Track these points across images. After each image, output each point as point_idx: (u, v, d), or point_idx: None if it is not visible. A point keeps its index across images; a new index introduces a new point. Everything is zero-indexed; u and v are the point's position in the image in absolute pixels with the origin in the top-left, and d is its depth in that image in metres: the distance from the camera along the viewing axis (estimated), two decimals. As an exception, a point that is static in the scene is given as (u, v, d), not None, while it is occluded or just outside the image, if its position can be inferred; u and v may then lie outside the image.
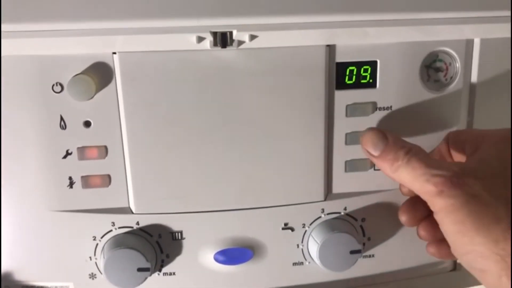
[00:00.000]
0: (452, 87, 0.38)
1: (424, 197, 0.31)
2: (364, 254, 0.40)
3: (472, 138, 0.34)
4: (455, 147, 0.36)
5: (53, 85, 0.34)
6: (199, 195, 0.37)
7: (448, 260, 0.42)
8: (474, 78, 0.38)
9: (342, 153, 0.38)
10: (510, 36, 0.36)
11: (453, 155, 0.36)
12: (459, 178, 0.30)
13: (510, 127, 0.37)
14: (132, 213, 0.37)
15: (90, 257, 0.38)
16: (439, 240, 0.36)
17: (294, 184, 0.38)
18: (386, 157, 0.33)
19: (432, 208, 0.31)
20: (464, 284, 0.44)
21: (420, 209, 0.36)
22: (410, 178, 0.32)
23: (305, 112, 0.36)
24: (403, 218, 0.36)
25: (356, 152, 0.37)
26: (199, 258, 0.39)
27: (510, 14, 0.36)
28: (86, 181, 0.36)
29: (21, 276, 0.38)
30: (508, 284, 0.27)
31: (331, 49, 0.35)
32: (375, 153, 0.34)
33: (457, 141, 0.36)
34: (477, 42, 0.37)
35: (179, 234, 0.38)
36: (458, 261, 0.42)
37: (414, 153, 0.32)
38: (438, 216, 0.31)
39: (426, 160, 0.32)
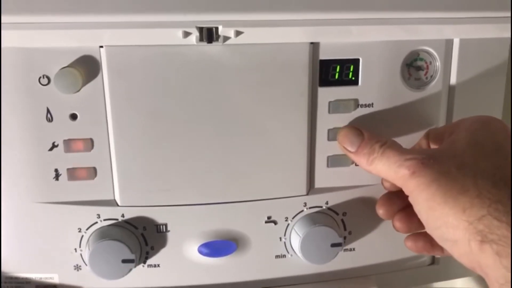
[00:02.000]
0: (432, 85, 0.39)
1: (399, 182, 0.32)
2: (345, 247, 0.41)
3: (449, 129, 0.35)
4: (435, 141, 0.37)
5: (40, 78, 0.34)
6: (184, 188, 0.37)
7: (426, 254, 0.43)
8: (453, 77, 0.39)
9: (324, 148, 0.39)
10: (487, 36, 0.37)
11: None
12: (429, 159, 0.31)
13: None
14: (117, 205, 0.37)
15: (75, 249, 0.38)
16: (416, 234, 0.37)
17: (278, 179, 0.38)
18: (362, 152, 0.35)
19: (406, 191, 0.32)
20: (442, 277, 0.45)
21: (396, 202, 0.37)
22: (385, 168, 0.33)
23: (288, 108, 0.37)
24: (380, 211, 0.38)
25: (338, 148, 0.38)
26: (183, 250, 0.39)
27: (488, 16, 0.37)
28: (72, 174, 0.36)
29: (5, 267, 0.38)
30: (476, 249, 0.28)
31: (315, 46, 0.36)
32: (352, 149, 0.36)
33: (436, 136, 0.37)
34: (456, 42, 0.38)
35: (164, 226, 0.38)
36: (436, 256, 0.44)
37: (388, 145, 0.34)
38: (411, 198, 0.32)
39: (400, 149, 0.34)
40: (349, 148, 0.36)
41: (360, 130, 0.36)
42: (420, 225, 0.33)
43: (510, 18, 0.37)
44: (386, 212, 0.37)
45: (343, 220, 0.40)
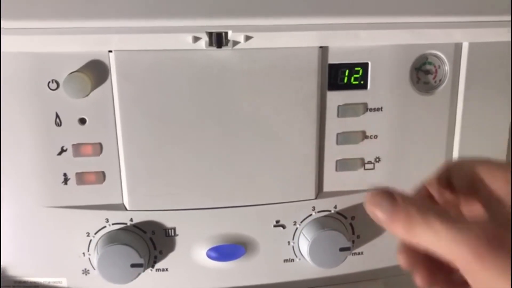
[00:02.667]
0: (441, 89, 0.39)
1: (455, 262, 0.25)
2: (353, 251, 0.41)
3: (464, 175, 0.28)
4: (447, 188, 0.29)
5: (49, 82, 0.34)
6: (193, 192, 0.37)
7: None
8: (462, 81, 0.39)
9: (333, 152, 0.39)
10: (496, 40, 0.37)
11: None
12: (495, 237, 0.24)
13: (499, 129, 0.38)
14: (126, 209, 0.37)
15: (84, 253, 0.38)
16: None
17: (286, 183, 0.38)
18: (397, 217, 0.26)
19: (470, 279, 0.24)
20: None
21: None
22: (433, 239, 0.25)
23: (297, 112, 0.37)
24: (401, 258, 0.29)
25: (347, 151, 0.38)
26: (192, 254, 0.39)
27: (497, 20, 0.37)
28: (81, 178, 0.36)
29: (14, 271, 0.38)
30: None
31: (324, 50, 0.36)
32: (384, 215, 0.27)
33: (447, 181, 0.29)
34: (465, 46, 0.38)
35: (172, 230, 0.38)
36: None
37: (427, 208, 0.26)
38: (471, 281, 0.24)
39: (445, 215, 0.25)
40: (381, 214, 0.27)
41: (391, 192, 0.27)
42: (447, 284, 0.28)
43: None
44: (407, 261, 0.29)
45: (352, 224, 0.40)
